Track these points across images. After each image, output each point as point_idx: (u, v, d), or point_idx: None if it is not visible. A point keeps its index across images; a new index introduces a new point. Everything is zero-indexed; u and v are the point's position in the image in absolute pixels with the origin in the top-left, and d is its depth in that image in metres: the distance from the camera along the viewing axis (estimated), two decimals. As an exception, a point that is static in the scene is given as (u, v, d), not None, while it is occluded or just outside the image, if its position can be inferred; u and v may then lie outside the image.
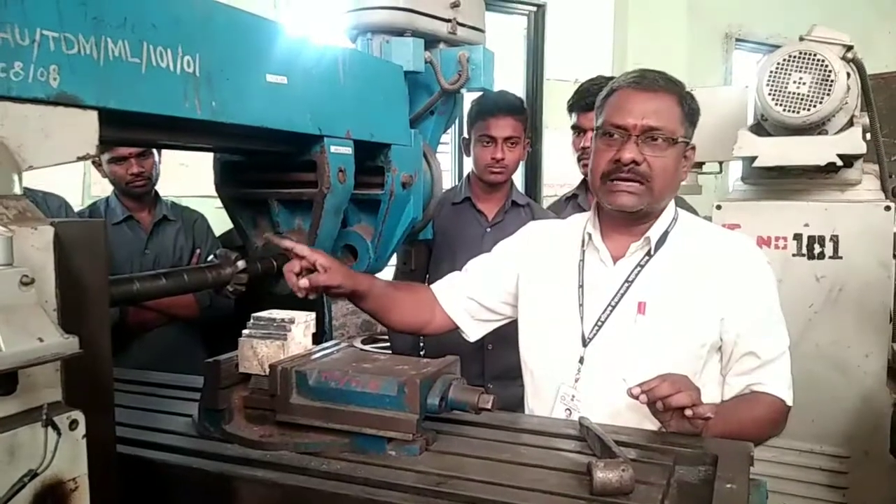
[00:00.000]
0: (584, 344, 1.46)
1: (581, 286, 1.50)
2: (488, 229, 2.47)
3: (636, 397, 1.20)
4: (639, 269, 1.46)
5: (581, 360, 1.45)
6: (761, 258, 1.49)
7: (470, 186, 2.51)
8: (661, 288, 1.43)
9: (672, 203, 1.52)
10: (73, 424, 0.69)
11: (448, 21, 1.51)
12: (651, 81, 1.43)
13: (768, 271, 1.47)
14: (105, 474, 0.77)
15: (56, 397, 0.71)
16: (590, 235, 1.51)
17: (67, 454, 0.68)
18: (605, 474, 0.94)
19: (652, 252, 1.46)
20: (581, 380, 1.44)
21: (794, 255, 2.45)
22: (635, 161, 1.37)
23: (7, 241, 0.62)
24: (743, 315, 1.41)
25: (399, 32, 1.44)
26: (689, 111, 1.45)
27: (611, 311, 1.45)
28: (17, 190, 0.74)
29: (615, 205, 1.42)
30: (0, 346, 0.59)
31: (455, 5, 1.51)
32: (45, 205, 2.38)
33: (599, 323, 1.45)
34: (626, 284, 1.45)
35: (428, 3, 1.46)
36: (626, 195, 1.40)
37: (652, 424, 1.34)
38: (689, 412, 1.18)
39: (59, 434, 0.67)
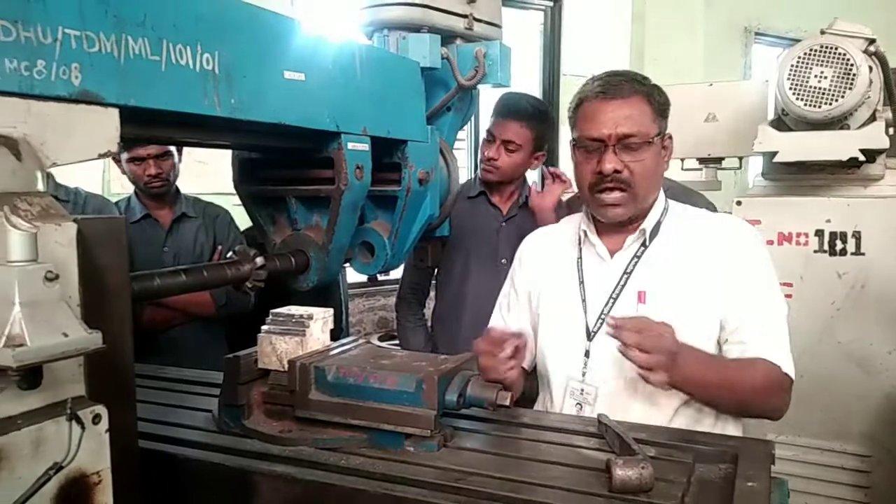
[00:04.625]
0: (589, 338, 1.48)
1: (581, 282, 1.54)
2: (503, 224, 2.46)
3: (612, 328, 1.26)
4: (636, 259, 1.50)
5: (587, 354, 1.47)
6: (750, 232, 1.53)
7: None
8: (659, 276, 1.47)
9: (661, 193, 1.56)
10: (97, 419, 0.69)
11: (465, 17, 1.50)
12: (616, 88, 1.45)
13: (759, 244, 1.51)
14: (127, 468, 0.78)
15: (79, 392, 0.71)
16: (585, 233, 1.56)
17: (91, 448, 0.69)
18: (624, 472, 0.94)
19: (647, 243, 1.50)
20: (588, 373, 1.48)
21: (815, 251, 2.42)
22: (616, 170, 1.42)
23: (32, 238, 0.63)
24: (738, 289, 1.43)
25: (416, 28, 1.43)
26: (659, 106, 1.48)
27: (612, 304, 1.48)
28: (41, 187, 0.75)
29: (608, 218, 1.49)
30: (26, 340, 0.59)
31: (472, 1, 1.51)
32: (85, 204, 2.42)
33: (602, 316, 1.48)
34: (626, 276, 1.49)
35: (445, -1, 1.46)
36: (613, 208, 1.46)
37: (660, 414, 1.36)
38: (640, 371, 1.23)
39: (82, 428, 0.67)
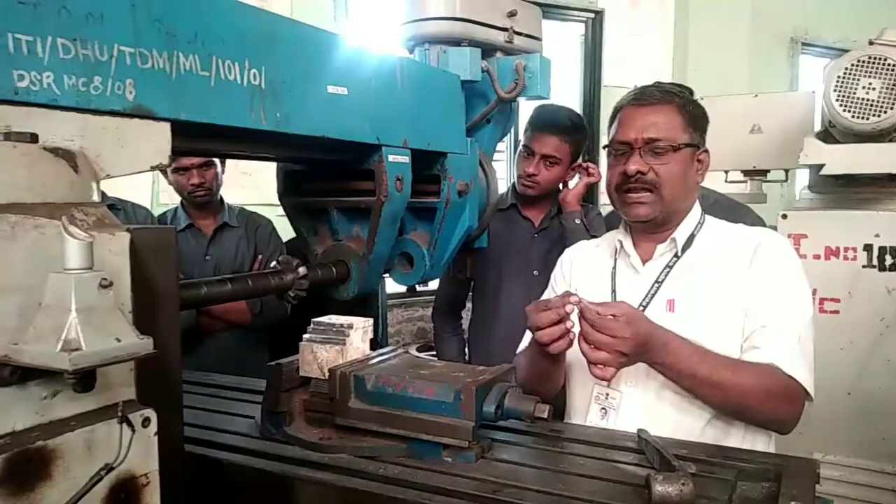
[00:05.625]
0: None
1: (613, 291, 1.55)
2: (535, 235, 2.46)
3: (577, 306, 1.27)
4: (668, 269, 1.51)
5: None
6: (779, 241, 1.52)
7: (517, 193, 2.50)
8: (690, 285, 1.47)
9: (697, 206, 1.56)
10: (146, 422, 0.72)
11: (505, 30, 1.51)
12: (648, 96, 1.50)
13: (786, 252, 1.49)
14: (174, 471, 0.80)
15: (130, 395, 0.74)
16: (621, 243, 1.58)
17: (140, 450, 0.71)
18: (664, 488, 0.93)
19: (679, 253, 1.51)
20: (614, 379, 1.44)
21: (864, 266, 2.36)
22: (641, 171, 1.44)
23: (88, 246, 0.66)
24: (759, 295, 1.41)
25: (456, 42, 1.45)
26: (692, 117, 1.49)
27: (642, 312, 1.45)
28: (96, 197, 0.78)
29: (631, 216, 1.51)
30: (81, 345, 0.62)
31: (512, 14, 1.52)
32: (134, 214, 2.51)
33: None
34: (657, 285, 1.50)
35: (485, 13, 1.47)
36: (638, 206, 1.48)
37: (690, 422, 1.35)
38: (590, 366, 1.26)
39: (132, 430, 0.70)
